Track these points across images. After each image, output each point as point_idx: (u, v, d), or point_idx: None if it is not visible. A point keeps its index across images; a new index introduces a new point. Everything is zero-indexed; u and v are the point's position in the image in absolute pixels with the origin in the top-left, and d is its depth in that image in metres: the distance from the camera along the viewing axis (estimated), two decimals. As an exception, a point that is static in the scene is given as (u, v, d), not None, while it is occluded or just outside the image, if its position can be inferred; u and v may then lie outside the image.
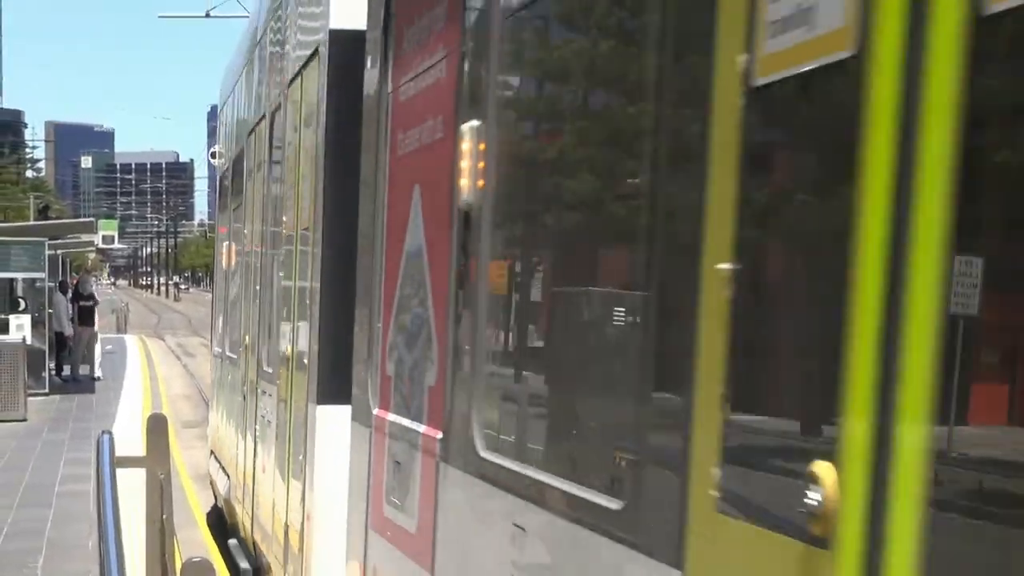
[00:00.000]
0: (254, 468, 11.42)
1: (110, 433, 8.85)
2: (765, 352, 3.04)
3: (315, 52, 8.88)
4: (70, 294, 32.64)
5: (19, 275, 27.90)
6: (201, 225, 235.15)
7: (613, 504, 3.51)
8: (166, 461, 8.90)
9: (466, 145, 5.00)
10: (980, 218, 2.31)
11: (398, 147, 6.44)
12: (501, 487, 4.52)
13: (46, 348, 28.20)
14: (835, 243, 2.57)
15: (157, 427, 8.97)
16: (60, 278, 34.20)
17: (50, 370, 28.74)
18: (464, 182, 5.02)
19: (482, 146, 4.91)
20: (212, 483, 16.05)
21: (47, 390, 27.28)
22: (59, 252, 35.44)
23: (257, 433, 11.31)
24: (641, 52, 3.88)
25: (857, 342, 2.47)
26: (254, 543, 11.20)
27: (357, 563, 6.97)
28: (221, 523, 14.23)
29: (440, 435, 5.31)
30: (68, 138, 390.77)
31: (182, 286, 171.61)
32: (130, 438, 18.49)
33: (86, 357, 32.33)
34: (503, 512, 4.49)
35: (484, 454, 4.74)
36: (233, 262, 15.21)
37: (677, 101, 3.34)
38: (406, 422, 5.97)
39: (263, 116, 11.89)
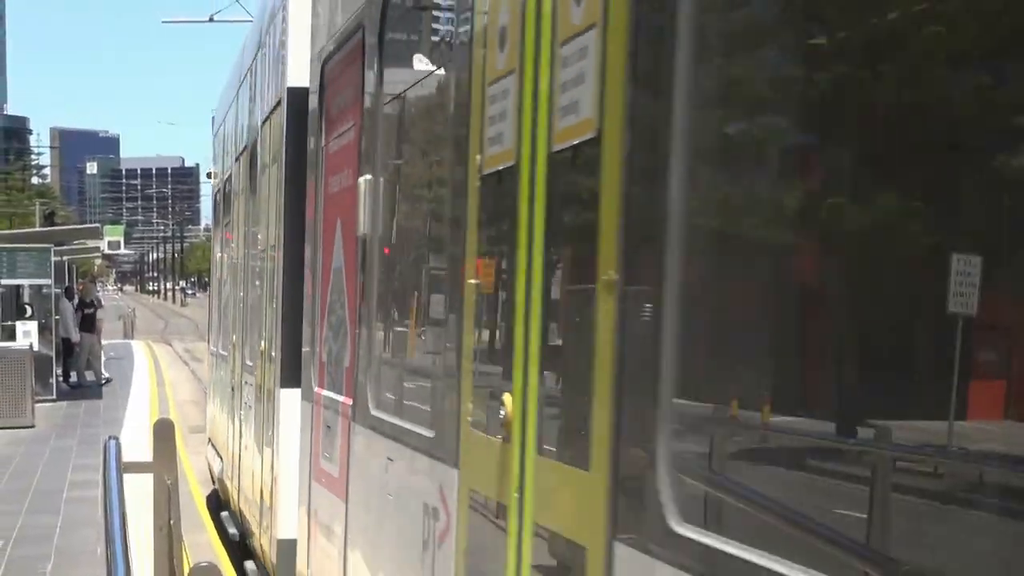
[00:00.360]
0: (240, 448, 13.37)
1: (117, 439, 8.87)
2: (484, 334, 5.09)
3: (279, 102, 10.74)
4: (76, 300, 32.69)
5: (25, 282, 27.92)
6: (207, 230, 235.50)
7: (429, 433, 5.60)
8: (173, 466, 8.90)
9: (361, 192, 7.02)
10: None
11: (329, 188, 8.40)
12: (380, 433, 6.53)
13: (53, 354, 28.23)
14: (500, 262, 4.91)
15: (164, 432, 8.97)
16: (66, 284, 34.25)
17: (57, 376, 28.78)
18: (361, 218, 7.03)
19: (370, 194, 6.95)
20: (209, 467, 17.82)
21: (54, 396, 27.32)
22: (65, 258, 35.46)
23: (242, 417, 13.23)
24: (439, 148, 6.12)
25: (516, 330, 4.34)
26: (240, 512, 13.29)
27: (304, 508, 8.87)
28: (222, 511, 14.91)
29: (351, 401, 7.28)
30: (73, 144, 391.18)
31: (188, 291, 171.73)
32: (137, 443, 18.53)
33: (91, 363, 32.40)
34: (381, 450, 6.48)
35: (373, 412, 6.73)
36: (224, 272, 17.46)
37: (454, 182, 5.40)
38: (333, 395, 7.91)
39: (246, 147, 13.92)
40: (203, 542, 13.86)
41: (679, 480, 3.25)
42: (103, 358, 36.66)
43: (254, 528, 11.84)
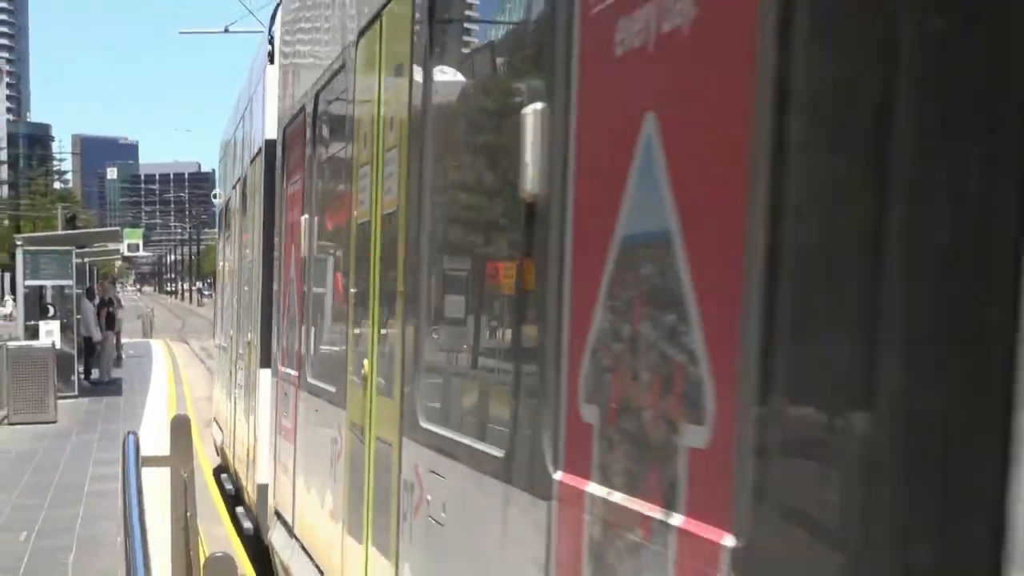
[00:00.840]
0: (235, 420, 16.08)
1: (135, 434, 8.85)
2: (360, 326, 7.16)
3: (260, 149, 13.33)
4: (97, 300, 32.72)
5: (48, 283, 27.92)
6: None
7: (333, 389, 7.89)
8: (189, 460, 8.90)
9: (303, 228, 9.49)
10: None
11: (287, 219, 10.90)
12: (312, 393, 8.84)
13: (75, 353, 28.23)
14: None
15: (180, 428, 8.97)
16: (87, 285, 34.26)
17: (79, 373, 28.78)
18: (303, 245, 9.48)
19: (308, 227, 9.39)
20: (214, 441, 20.21)
21: (76, 393, 27.30)
22: (86, 260, 35.46)
23: (235, 396, 16.00)
24: (340, 200, 8.16)
25: (371, 322, 6.64)
26: (235, 472, 15.89)
27: (272, 457, 11.33)
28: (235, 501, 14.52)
29: (297, 374, 9.67)
30: (94, 150, 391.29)
31: (205, 292, 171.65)
32: (156, 438, 18.53)
33: (116, 360, 32.39)
34: (313, 406, 8.78)
35: (309, 379, 9.08)
36: (226, 278, 20.31)
37: (346, 223, 7.54)
38: (289, 370, 10.28)
39: (239, 178, 16.77)
40: (220, 535, 13.85)
41: (425, 405, 5.66)
42: (122, 357, 36.67)
43: (244, 482, 14.40)
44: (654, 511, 3.07)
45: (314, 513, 8.71)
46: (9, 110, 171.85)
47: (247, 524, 13.75)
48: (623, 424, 3.33)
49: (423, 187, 5.73)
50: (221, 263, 22.14)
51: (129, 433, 8.92)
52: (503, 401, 4.52)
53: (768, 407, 2.63)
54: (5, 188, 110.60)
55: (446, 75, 5.74)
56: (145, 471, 8.17)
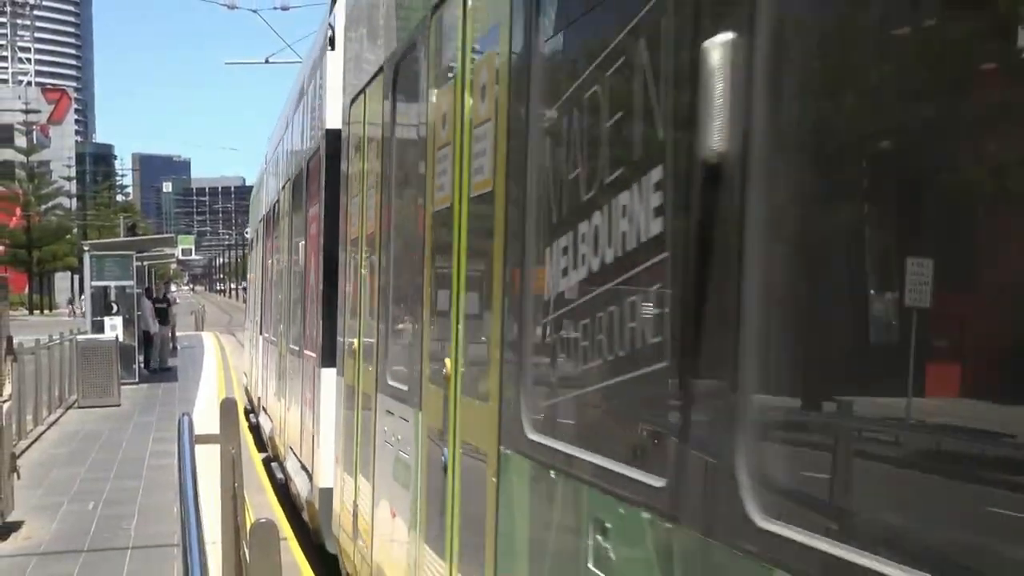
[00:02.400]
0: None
1: (189, 415, 8.87)
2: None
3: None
4: (155, 297, 32.86)
5: (112, 283, 27.99)
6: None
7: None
8: (236, 438, 8.90)
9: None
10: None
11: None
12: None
13: (135, 344, 28.30)
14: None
15: (229, 410, 8.97)
16: (146, 285, 34.30)
17: (139, 363, 28.83)
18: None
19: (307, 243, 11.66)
20: (248, 395, 22.88)
21: (137, 380, 27.35)
22: (145, 263, 35.48)
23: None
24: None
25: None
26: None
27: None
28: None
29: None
30: (151, 167, 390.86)
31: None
32: (207, 419, 18.54)
33: (171, 351, 32.41)
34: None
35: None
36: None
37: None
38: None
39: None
40: (263, 502, 13.87)
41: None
42: (177, 348, 36.67)
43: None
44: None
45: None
46: (77, 132, 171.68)
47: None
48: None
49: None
50: (250, 275, 25.22)
51: (184, 414, 8.94)
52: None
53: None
54: (74, 201, 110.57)
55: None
56: (198, 448, 8.19)
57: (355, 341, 8.36)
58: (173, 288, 46.59)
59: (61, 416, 22.23)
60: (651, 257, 3.09)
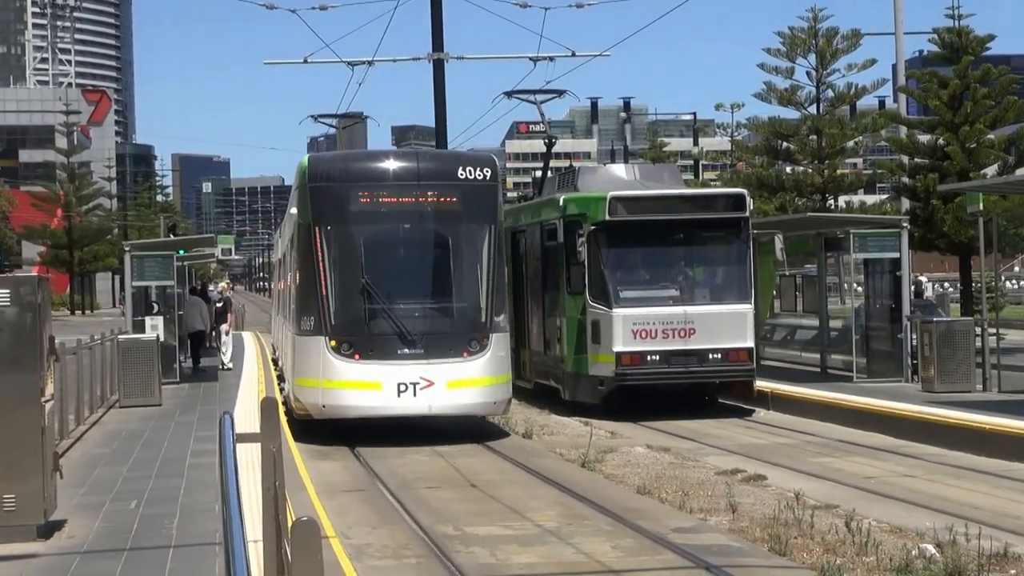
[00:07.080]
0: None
1: (230, 414, 8.89)
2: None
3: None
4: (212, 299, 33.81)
5: (153, 283, 28.20)
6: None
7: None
8: (277, 437, 8.92)
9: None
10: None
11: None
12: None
13: (176, 344, 28.51)
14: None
15: (269, 408, 8.99)
16: (196, 283, 34.80)
17: (180, 362, 29.01)
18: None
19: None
20: (273, 350, 33.96)
21: (178, 379, 27.52)
22: (186, 263, 35.71)
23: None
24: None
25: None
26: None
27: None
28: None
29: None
30: (191, 167, 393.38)
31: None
32: (247, 418, 18.65)
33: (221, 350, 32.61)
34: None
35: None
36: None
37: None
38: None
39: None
40: (303, 500, 13.92)
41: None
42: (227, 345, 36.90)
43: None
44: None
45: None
46: (118, 133, 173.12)
47: None
48: None
49: None
50: (274, 273, 36.66)
51: (225, 413, 8.96)
52: None
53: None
54: (115, 202, 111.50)
55: None
56: (239, 446, 8.21)
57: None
58: (212, 288, 46.88)
59: (103, 416, 22.39)
60: None
